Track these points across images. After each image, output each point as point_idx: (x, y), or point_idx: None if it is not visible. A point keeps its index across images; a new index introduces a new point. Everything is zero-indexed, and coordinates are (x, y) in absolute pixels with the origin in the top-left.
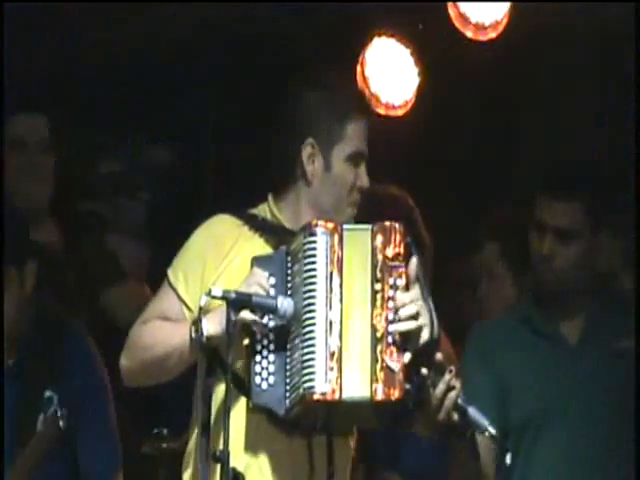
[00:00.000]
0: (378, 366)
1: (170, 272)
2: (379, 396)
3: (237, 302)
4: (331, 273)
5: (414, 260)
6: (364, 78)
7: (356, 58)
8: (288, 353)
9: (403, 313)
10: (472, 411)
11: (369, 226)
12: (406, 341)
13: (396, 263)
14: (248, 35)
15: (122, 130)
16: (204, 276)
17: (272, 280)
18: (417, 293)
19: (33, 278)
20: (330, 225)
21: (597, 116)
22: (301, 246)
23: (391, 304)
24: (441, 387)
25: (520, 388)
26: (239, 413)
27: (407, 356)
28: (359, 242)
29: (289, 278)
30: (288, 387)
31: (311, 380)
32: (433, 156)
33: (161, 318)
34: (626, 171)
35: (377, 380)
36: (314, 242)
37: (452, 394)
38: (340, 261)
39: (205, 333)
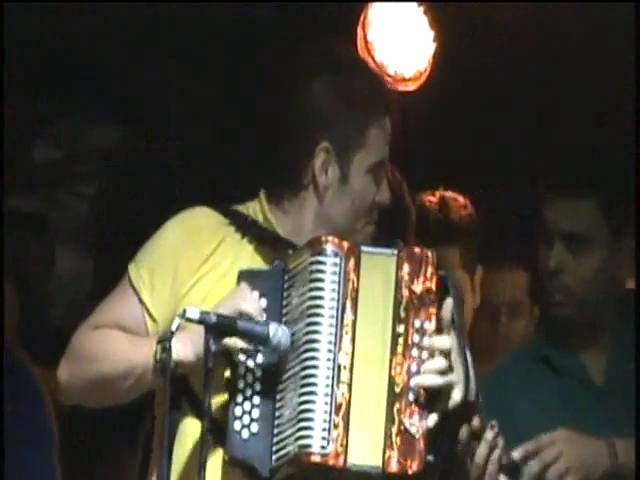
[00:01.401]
0: (394, 429)
1: (132, 268)
2: (393, 467)
3: (219, 327)
4: (343, 305)
5: (449, 300)
6: (366, 43)
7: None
8: (279, 396)
9: (430, 366)
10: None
11: (394, 251)
12: (432, 401)
13: (425, 301)
14: None
15: (60, 107)
16: (176, 280)
17: (263, 302)
18: (450, 342)
19: None
20: (345, 244)
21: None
22: (306, 265)
23: (415, 352)
24: (483, 451)
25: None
26: (212, 466)
27: (432, 419)
28: (380, 269)
29: (285, 302)
30: (276, 440)
31: (308, 437)
32: (451, 139)
33: (116, 326)
34: None
35: (392, 446)
36: (323, 263)
37: (495, 455)
38: (356, 291)
39: (174, 357)
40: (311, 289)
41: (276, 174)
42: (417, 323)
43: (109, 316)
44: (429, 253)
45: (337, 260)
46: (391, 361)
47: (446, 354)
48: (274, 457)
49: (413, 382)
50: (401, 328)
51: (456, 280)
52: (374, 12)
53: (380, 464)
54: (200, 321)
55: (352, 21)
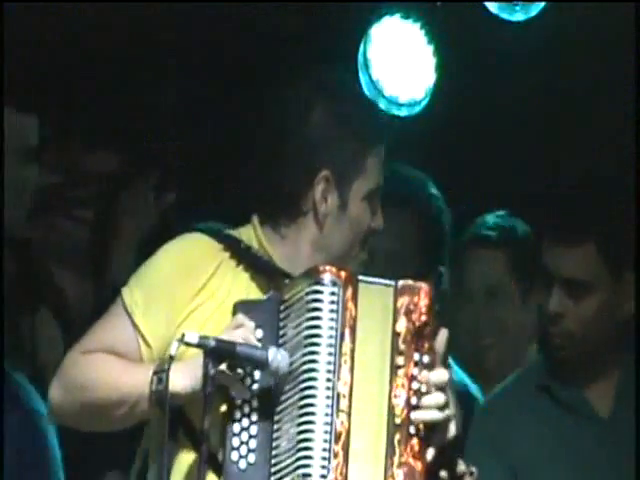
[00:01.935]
0: (395, 461)
1: (126, 292)
2: None
3: (218, 351)
4: (342, 334)
5: (444, 332)
6: (365, 60)
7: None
8: (276, 426)
9: (431, 400)
10: None
11: (392, 282)
12: (430, 434)
13: (423, 334)
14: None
15: (56, 129)
16: (172, 308)
17: (259, 333)
18: (445, 376)
19: None
20: (343, 274)
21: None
22: (303, 295)
23: (415, 385)
24: None
25: (542, 477)
26: None
27: (430, 452)
28: (378, 300)
29: (281, 333)
30: (274, 469)
31: (307, 466)
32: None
33: (108, 350)
34: None
35: (393, 478)
36: (320, 292)
37: None
38: (354, 320)
39: (170, 388)
40: (309, 318)
41: (275, 201)
42: (416, 356)
43: (101, 340)
44: (425, 286)
45: (335, 289)
46: (390, 392)
47: (442, 388)
48: None
49: (414, 416)
50: (400, 360)
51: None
52: (378, 30)
53: None
54: (199, 345)
55: (355, 38)
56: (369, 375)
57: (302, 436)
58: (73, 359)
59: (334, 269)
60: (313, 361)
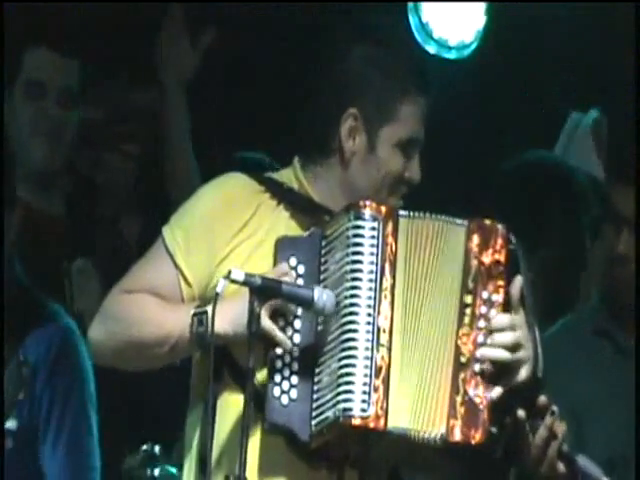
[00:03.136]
0: (459, 398)
1: (166, 231)
2: (456, 436)
3: (263, 290)
4: (382, 269)
5: (519, 278)
6: (415, 3)
7: None
8: (318, 361)
9: (499, 338)
10: (582, 460)
11: (465, 222)
12: (498, 375)
13: (494, 273)
14: None
15: (98, 67)
16: (212, 247)
17: (301, 269)
18: (520, 318)
19: (13, 234)
20: (383, 209)
21: None
22: (344, 230)
23: (482, 324)
24: (542, 433)
25: (603, 424)
26: (251, 434)
27: (496, 392)
28: (450, 239)
29: (323, 269)
30: (315, 405)
31: (348, 400)
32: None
33: (149, 291)
34: None
35: (455, 416)
36: (361, 227)
37: (556, 441)
38: (394, 254)
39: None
40: (349, 253)
41: (306, 137)
42: (485, 294)
43: (142, 280)
44: (499, 226)
45: (375, 224)
46: (458, 331)
47: (514, 330)
48: (313, 422)
49: (480, 352)
50: (469, 298)
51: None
52: None
53: (444, 432)
54: (245, 283)
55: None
56: (436, 314)
57: (343, 370)
58: (114, 298)
59: (374, 204)
60: (354, 296)
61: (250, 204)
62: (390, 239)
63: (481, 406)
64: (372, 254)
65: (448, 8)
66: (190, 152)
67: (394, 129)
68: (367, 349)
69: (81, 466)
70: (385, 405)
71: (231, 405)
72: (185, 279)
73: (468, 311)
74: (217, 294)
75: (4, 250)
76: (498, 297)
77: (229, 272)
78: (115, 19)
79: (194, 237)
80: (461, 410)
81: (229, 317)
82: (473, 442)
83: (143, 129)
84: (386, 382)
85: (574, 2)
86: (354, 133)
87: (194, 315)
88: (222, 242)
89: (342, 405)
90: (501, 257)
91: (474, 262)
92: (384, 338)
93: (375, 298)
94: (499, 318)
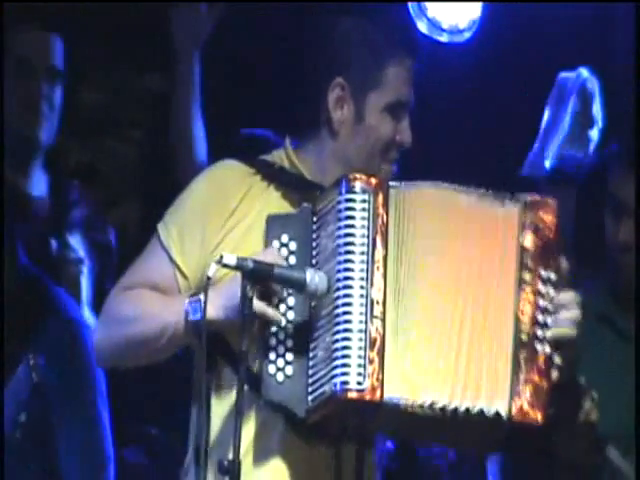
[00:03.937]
0: (522, 378)
1: (161, 228)
2: (519, 415)
3: (256, 273)
4: (374, 241)
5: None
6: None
7: None
8: (312, 337)
9: (565, 315)
10: (612, 451)
11: (519, 197)
12: (557, 352)
13: (550, 251)
14: None
15: (103, 52)
16: (204, 237)
17: (293, 245)
18: (573, 295)
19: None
20: (373, 181)
21: None
22: (335, 204)
23: (542, 302)
24: (580, 418)
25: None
26: (248, 413)
27: (555, 371)
28: (501, 215)
29: (315, 244)
30: (311, 380)
31: (345, 374)
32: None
33: (148, 286)
34: None
35: (519, 395)
36: (352, 200)
37: (591, 428)
38: (385, 226)
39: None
40: (341, 227)
41: (296, 111)
42: (543, 273)
43: (141, 276)
44: (552, 202)
45: (366, 196)
46: (516, 309)
47: (577, 307)
48: (310, 398)
49: (551, 333)
50: (527, 276)
51: None
52: None
53: (505, 412)
54: (237, 267)
55: None
56: (491, 292)
57: (338, 344)
58: (114, 297)
59: (364, 177)
60: (347, 269)
61: (240, 188)
62: (381, 210)
63: (543, 386)
64: (363, 227)
65: None
66: (200, 121)
67: (381, 94)
68: (361, 322)
69: (95, 459)
70: (381, 377)
71: (228, 392)
72: (182, 273)
73: (528, 289)
74: (209, 278)
75: (4, 246)
76: (555, 276)
77: (221, 256)
78: (117, 7)
79: (188, 230)
80: (525, 390)
81: (220, 302)
82: (536, 423)
83: (146, 114)
84: (381, 354)
85: (574, 2)
86: (342, 102)
87: (189, 303)
88: (215, 230)
89: (338, 379)
90: (556, 235)
91: (531, 239)
92: (378, 310)
93: (368, 270)
94: (563, 295)
